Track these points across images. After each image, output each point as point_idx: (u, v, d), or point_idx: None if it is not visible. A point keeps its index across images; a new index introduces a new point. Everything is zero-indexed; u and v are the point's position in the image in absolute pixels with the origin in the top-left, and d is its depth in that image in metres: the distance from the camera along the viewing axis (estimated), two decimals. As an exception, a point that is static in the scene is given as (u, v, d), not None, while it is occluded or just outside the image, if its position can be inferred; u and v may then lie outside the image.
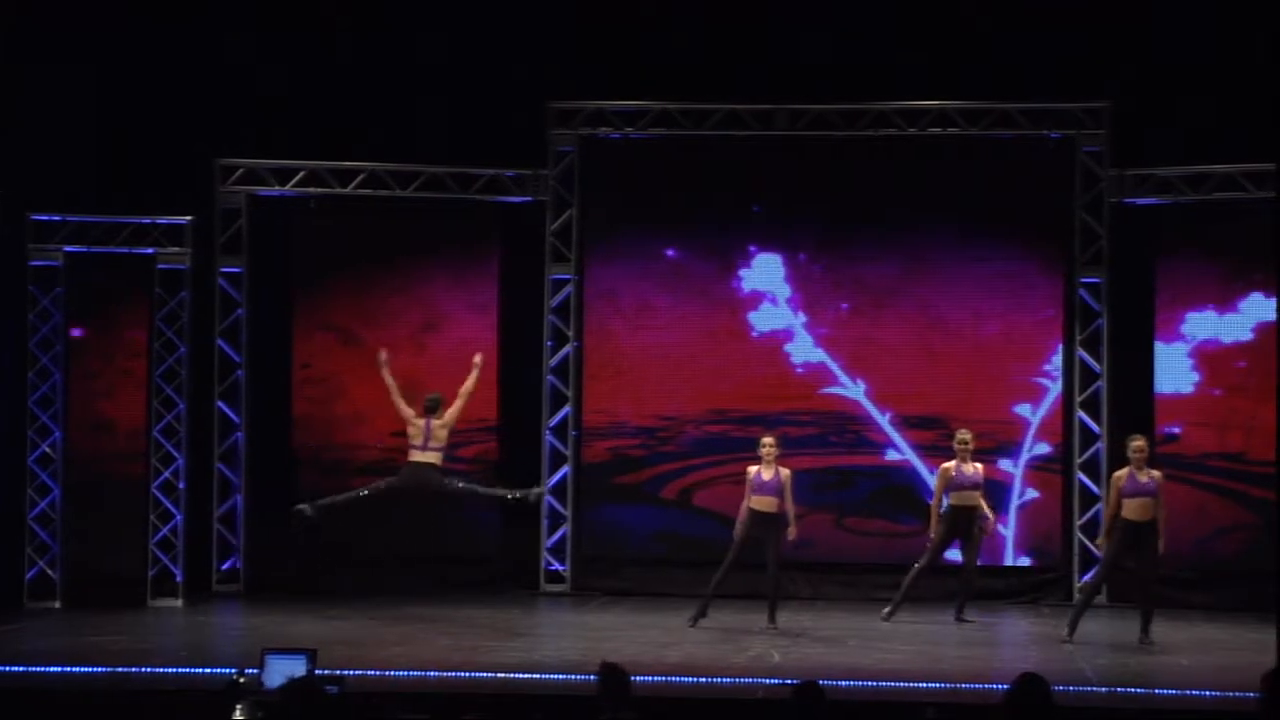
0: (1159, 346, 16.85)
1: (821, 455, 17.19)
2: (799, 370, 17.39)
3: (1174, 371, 16.86)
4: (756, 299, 17.54)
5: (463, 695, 11.50)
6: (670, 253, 17.52)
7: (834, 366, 17.34)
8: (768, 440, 14.81)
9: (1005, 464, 17.09)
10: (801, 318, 17.45)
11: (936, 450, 17.05)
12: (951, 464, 15.34)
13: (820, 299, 17.48)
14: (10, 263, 15.90)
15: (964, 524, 15.38)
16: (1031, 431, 17.13)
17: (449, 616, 15.14)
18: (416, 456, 14.99)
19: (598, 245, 17.57)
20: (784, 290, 17.51)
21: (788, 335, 17.48)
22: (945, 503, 15.35)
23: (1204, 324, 16.80)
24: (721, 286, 17.51)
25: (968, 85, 16.80)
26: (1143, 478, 14.10)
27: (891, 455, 17.29)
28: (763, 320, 17.49)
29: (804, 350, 17.43)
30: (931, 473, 16.82)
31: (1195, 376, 16.83)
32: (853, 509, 17.35)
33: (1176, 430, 16.78)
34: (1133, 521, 14.08)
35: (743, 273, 17.58)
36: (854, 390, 17.32)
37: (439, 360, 17.37)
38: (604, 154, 17.50)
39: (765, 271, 17.52)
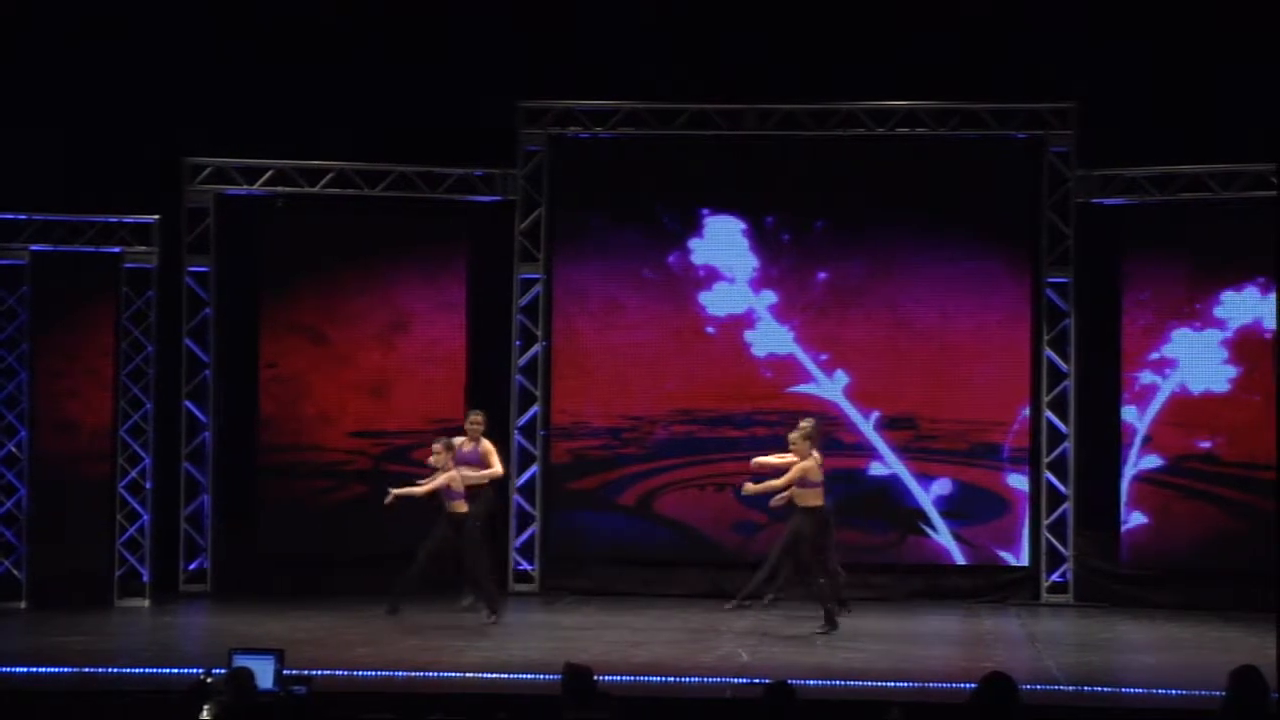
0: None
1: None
2: (764, 364, 17.28)
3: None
4: (711, 276, 17.46)
5: (429, 695, 11.47)
6: (638, 253, 17.46)
7: (806, 360, 17.30)
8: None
9: (983, 465, 17.09)
10: (767, 297, 17.40)
11: (909, 452, 17.09)
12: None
13: (790, 275, 17.36)
14: (-24, 262, 15.83)
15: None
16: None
17: (416, 617, 15.09)
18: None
19: (566, 245, 17.54)
20: (745, 264, 17.43)
21: (748, 320, 17.41)
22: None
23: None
24: (674, 265, 17.42)
25: (935, 85, 16.82)
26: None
27: (865, 457, 17.20)
28: (718, 302, 17.38)
29: (770, 340, 17.32)
30: (913, 476, 16.91)
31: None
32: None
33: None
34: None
35: (693, 243, 17.51)
36: (830, 388, 17.29)
37: (407, 360, 17.35)
38: (573, 153, 17.48)
39: (722, 240, 17.42)
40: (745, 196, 17.42)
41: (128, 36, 16.49)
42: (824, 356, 17.29)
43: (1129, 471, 16.78)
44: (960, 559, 17.10)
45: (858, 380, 17.23)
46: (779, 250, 17.40)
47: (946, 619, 16.01)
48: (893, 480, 17.15)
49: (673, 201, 17.45)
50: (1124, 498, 16.77)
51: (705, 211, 17.44)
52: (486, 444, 15.70)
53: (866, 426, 17.18)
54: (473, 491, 15.22)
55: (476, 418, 15.73)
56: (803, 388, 17.25)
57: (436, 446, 15.05)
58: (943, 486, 17.08)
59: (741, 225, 17.42)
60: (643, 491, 17.36)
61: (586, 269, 17.54)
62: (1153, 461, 16.73)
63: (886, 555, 17.19)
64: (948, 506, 17.09)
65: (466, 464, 15.30)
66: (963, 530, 17.07)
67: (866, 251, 17.31)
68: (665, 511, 17.35)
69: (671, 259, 17.44)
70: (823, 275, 17.36)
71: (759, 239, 17.40)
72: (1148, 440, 16.77)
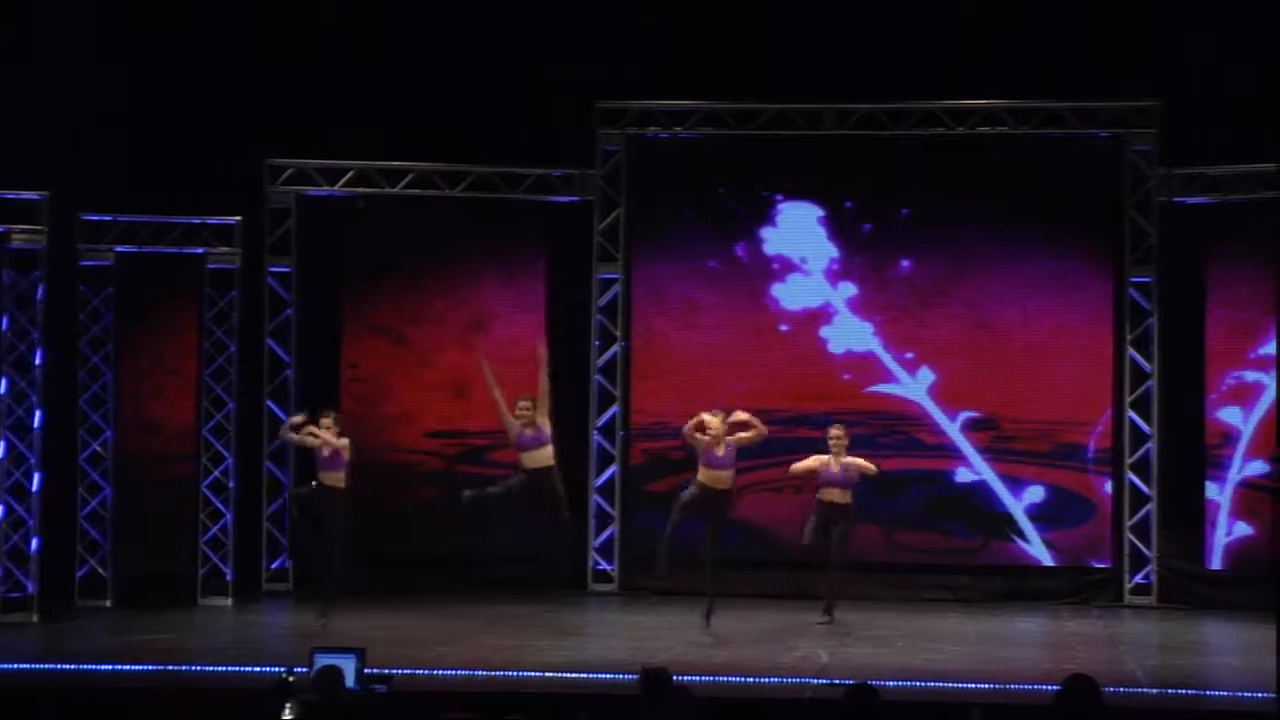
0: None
1: (868, 459, 16.93)
2: (841, 362, 17.13)
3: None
4: (785, 267, 17.39)
5: (509, 695, 11.52)
6: (715, 250, 17.42)
7: (887, 358, 17.19)
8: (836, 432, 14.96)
9: (1068, 467, 16.96)
10: (846, 290, 17.28)
11: (990, 452, 16.97)
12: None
13: (871, 267, 17.22)
14: (62, 263, 15.96)
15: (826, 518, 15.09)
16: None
17: (496, 615, 15.14)
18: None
19: (644, 244, 17.54)
20: (822, 253, 17.32)
21: (825, 315, 17.28)
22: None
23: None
24: (746, 255, 17.36)
25: (1016, 84, 16.72)
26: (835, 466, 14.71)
27: (948, 459, 17.09)
28: (792, 296, 17.30)
29: (848, 336, 17.19)
30: (1000, 480, 16.80)
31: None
32: (903, 521, 17.13)
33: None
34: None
35: (765, 232, 17.44)
36: (913, 387, 17.17)
37: (487, 360, 17.36)
38: (652, 153, 17.48)
39: (797, 228, 17.32)
40: (822, 182, 17.29)
41: (211, 39, 16.61)
42: (909, 355, 17.17)
43: (1233, 476, 16.52)
44: (1046, 562, 16.96)
45: (943, 380, 17.11)
46: (859, 240, 17.30)
47: (1028, 620, 15.91)
48: (979, 484, 17.01)
49: (745, 190, 17.35)
50: (1226, 505, 16.50)
51: (779, 198, 17.36)
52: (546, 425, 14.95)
53: (952, 428, 17.05)
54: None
55: (526, 403, 15.11)
56: (884, 387, 17.12)
57: (326, 422, 14.83)
58: (1035, 494, 16.91)
59: (819, 212, 17.32)
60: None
61: (665, 268, 17.53)
62: (1258, 468, 16.44)
63: (969, 558, 17.08)
64: (1037, 512, 16.95)
65: (526, 448, 14.94)
66: (1052, 536, 16.92)
67: (946, 250, 17.20)
68: (742, 514, 17.25)
69: (743, 249, 17.36)
70: (906, 264, 17.24)
71: (837, 227, 17.30)
72: (1251, 443, 16.49)
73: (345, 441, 14.80)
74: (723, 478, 14.55)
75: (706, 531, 14.64)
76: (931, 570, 16.67)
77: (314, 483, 14.78)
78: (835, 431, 15.05)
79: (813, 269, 17.32)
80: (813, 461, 15.04)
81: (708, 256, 17.46)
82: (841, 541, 14.89)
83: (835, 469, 14.90)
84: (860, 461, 15.02)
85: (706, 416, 14.54)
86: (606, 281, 17.46)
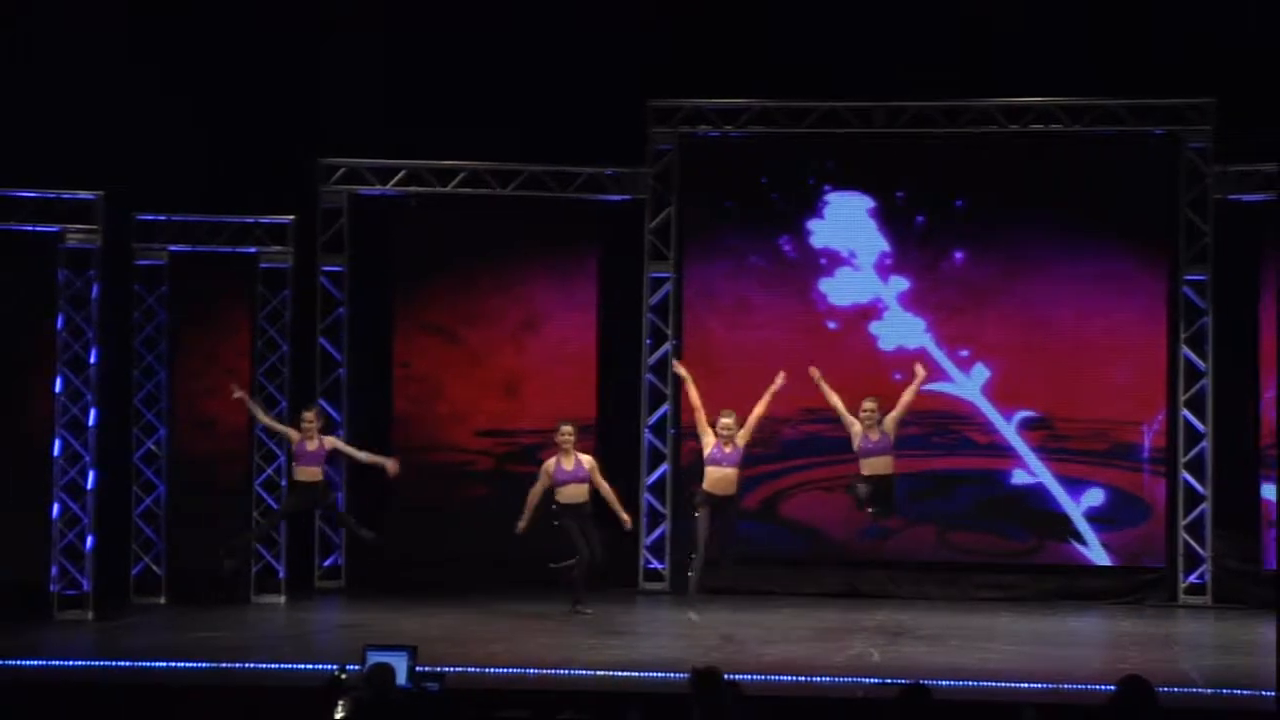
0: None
1: (920, 458, 16.80)
2: (892, 360, 16.91)
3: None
4: (833, 261, 17.32)
5: (561, 693, 11.50)
6: (764, 248, 17.36)
7: (940, 356, 17.07)
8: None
9: (1123, 466, 16.85)
10: (897, 284, 17.18)
11: (1044, 452, 16.88)
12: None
13: (924, 261, 17.11)
14: (117, 262, 16.05)
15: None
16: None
17: (548, 614, 15.15)
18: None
19: (696, 243, 17.51)
20: (872, 246, 17.23)
21: (875, 310, 17.18)
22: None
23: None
24: (793, 250, 17.30)
25: (1071, 81, 16.64)
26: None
27: (1002, 459, 16.97)
28: (841, 291, 17.21)
29: (899, 333, 17.07)
30: (1058, 481, 16.68)
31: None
32: (957, 522, 17.03)
33: None
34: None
35: (812, 224, 17.39)
36: (967, 386, 17.05)
37: (539, 360, 17.43)
38: (703, 152, 17.45)
39: (845, 219, 17.23)
40: (873, 175, 17.21)
41: (263, 39, 16.69)
42: (963, 352, 17.06)
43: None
44: (1101, 562, 16.86)
45: (997, 378, 17.00)
46: (912, 233, 17.20)
47: (1082, 620, 15.83)
48: (1035, 486, 16.90)
49: (793, 183, 17.29)
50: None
51: (826, 188, 17.29)
52: (588, 458, 15.26)
53: (1007, 428, 16.95)
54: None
55: (568, 429, 15.21)
56: (937, 385, 16.98)
57: (308, 415, 15.11)
58: (1094, 497, 16.80)
59: (869, 203, 17.25)
60: (769, 493, 17.23)
61: (715, 267, 17.49)
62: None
63: (1023, 558, 17.00)
64: (1095, 514, 16.84)
65: (568, 483, 15.08)
66: (1108, 537, 16.81)
67: (1000, 246, 17.11)
68: (792, 514, 17.24)
69: (790, 244, 17.28)
70: (959, 258, 17.15)
71: (888, 219, 17.22)
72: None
73: (332, 440, 15.13)
74: (729, 478, 14.58)
75: (714, 532, 14.58)
76: (984, 569, 16.57)
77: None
78: (868, 405, 14.87)
79: (862, 263, 17.25)
80: (851, 419, 14.84)
81: (757, 253, 17.41)
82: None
83: (874, 438, 14.77)
84: (894, 415, 14.79)
85: (724, 419, 14.57)
86: (658, 280, 17.45)
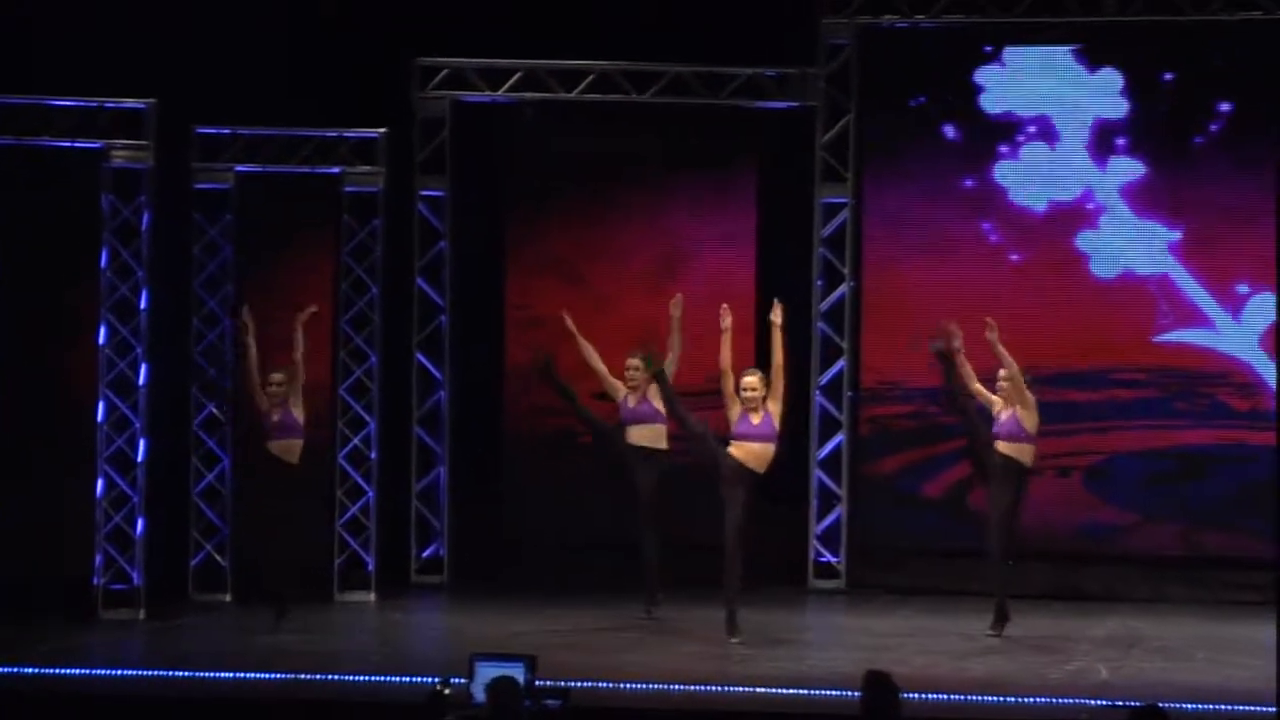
0: None
1: (1160, 430, 16.65)
2: (1118, 290, 16.73)
3: None
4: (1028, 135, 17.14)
5: (712, 714, 11.50)
6: (965, 166, 17.21)
7: (1196, 288, 16.64)
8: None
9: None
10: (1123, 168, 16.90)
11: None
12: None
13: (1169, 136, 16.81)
14: (172, 186, 16.19)
15: None
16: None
17: (695, 618, 15.15)
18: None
19: (880, 161, 17.42)
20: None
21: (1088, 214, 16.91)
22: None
23: None
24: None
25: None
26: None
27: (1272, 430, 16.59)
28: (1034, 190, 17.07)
29: (1125, 247, 16.84)
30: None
31: None
32: (1203, 516, 16.75)
33: None
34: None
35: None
36: (1232, 334, 16.61)
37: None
38: (889, 47, 17.31)
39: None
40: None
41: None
42: (1240, 286, 16.61)
43: None
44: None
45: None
46: (1155, 91, 16.87)
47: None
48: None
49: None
50: None
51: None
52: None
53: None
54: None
55: (635, 362, 15.14)
56: (1186, 334, 16.65)
57: (277, 377, 14.94)
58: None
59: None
60: (959, 477, 17.00)
61: (905, 191, 17.40)
62: None
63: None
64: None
65: (637, 422, 15.04)
66: None
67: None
68: (984, 505, 16.99)
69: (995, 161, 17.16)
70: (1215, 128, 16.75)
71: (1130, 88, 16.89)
72: None
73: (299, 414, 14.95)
74: (765, 453, 14.01)
75: (727, 518, 14.04)
76: (1237, 566, 16.33)
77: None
78: (1005, 374, 14.53)
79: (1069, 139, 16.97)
80: (991, 395, 14.59)
81: (957, 171, 17.23)
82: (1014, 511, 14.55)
83: (1004, 417, 14.52)
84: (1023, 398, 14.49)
85: (748, 379, 14.06)
86: (832, 207, 17.35)
